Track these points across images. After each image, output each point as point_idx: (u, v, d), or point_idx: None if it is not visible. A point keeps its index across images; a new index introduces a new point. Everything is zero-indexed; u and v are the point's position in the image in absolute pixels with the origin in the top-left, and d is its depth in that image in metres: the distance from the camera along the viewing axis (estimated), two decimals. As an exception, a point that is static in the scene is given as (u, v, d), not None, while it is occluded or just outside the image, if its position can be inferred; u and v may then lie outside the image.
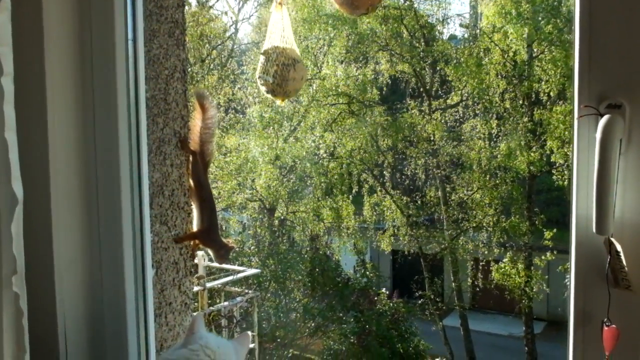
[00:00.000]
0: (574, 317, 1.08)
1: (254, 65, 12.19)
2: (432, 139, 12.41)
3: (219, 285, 7.79)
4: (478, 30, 12.14)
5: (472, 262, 12.83)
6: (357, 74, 12.75)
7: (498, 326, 13.98)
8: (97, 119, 1.40)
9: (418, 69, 12.70)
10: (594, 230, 1.01)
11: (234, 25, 14.82)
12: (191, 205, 1.80)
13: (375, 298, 10.87)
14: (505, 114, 11.80)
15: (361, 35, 12.54)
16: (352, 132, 12.80)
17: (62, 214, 1.36)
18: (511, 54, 11.33)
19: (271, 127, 13.00)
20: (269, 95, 2.08)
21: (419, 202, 13.08)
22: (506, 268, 11.65)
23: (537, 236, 11.69)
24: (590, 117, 1.02)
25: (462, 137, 12.40)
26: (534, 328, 12.07)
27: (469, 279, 12.97)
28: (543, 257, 11.47)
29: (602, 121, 0.99)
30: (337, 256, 12.69)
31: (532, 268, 11.67)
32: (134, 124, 1.43)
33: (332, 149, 13.03)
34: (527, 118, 11.43)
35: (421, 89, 12.87)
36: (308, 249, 13.00)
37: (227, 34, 14.53)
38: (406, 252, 13.16)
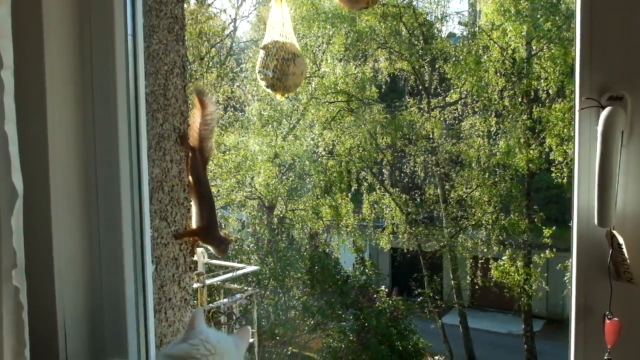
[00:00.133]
0: (575, 311, 1.07)
1: (253, 63, 12.19)
2: (431, 136, 12.41)
3: (218, 283, 7.79)
4: (477, 28, 12.13)
5: (471, 260, 12.82)
6: (356, 71, 12.75)
7: (497, 324, 13.98)
8: (97, 114, 1.40)
9: (417, 67, 12.70)
10: (596, 222, 1.00)
11: (232, 23, 14.83)
12: (190, 201, 1.79)
13: (375, 296, 10.86)
14: (504, 111, 11.80)
15: (360, 33, 12.53)
16: (351, 130, 12.80)
17: (61, 209, 1.35)
18: (510, 51, 11.33)
19: (270, 125, 13.00)
20: (269, 90, 2.08)
21: (418, 199, 13.09)
22: (505, 266, 11.65)
23: (536, 234, 11.70)
24: (592, 110, 1.01)
25: (461, 135, 12.39)
26: (533, 326, 12.07)
27: (468, 277, 12.97)
28: (542, 255, 11.47)
29: (604, 113, 0.99)
30: (336, 254, 12.68)
31: (531, 266, 11.67)
32: (134, 119, 1.43)
33: (331, 147, 13.02)
34: (526, 116, 11.43)
35: (420, 87, 12.87)
36: (307, 246, 13.00)
37: (226, 32, 14.52)
38: (405, 250, 13.17)
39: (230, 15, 14.78)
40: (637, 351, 1.03)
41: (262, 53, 2.07)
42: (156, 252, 1.63)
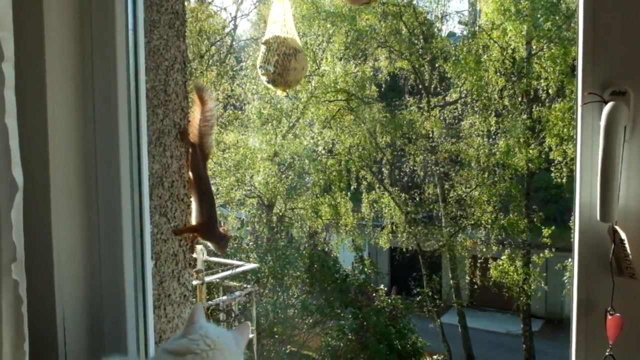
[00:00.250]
0: (577, 306, 1.07)
1: (253, 61, 12.20)
2: (430, 136, 12.42)
3: (217, 280, 7.80)
4: (477, 28, 12.14)
5: (470, 260, 12.83)
6: (355, 70, 12.75)
7: (496, 324, 13.99)
8: (97, 108, 1.40)
9: (417, 66, 12.70)
10: (598, 217, 1.00)
11: (232, 21, 14.83)
12: (190, 197, 1.79)
13: (374, 295, 10.87)
14: (504, 111, 11.80)
15: (360, 32, 12.53)
16: (350, 128, 12.80)
17: (61, 203, 1.35)
18: (510, 51, 11.34)
19: (270, 124, 13.00)
20: (270, 85, 2.07)
21: (417, 199, 13.10)
22: (504, 265, 11.66)
23: (536, 234, 11.70)
24: (595, 105, 1.01)
25: (461, 134, 12.40)
26: (532, 325, 12.08)
27: (467, 276, 12.98)
28: (541, 255, 11.48)
29: (607, 108, 0.98)
30: (335, 253, 12.67)
31: (530, 266, 11.68)
32: (134, 114, 1.42)
33: (330, 146, 13.04)
34: (525, 115, 11.44)
35: (420, 86, 12.88)
36: (306, 245, 13.00)
37: (226, 30, 14.52)
38: (404, 249, 13.17)
39: (230, 13, 14.79)
40: (638, 347, 1.03)
41: (263, 48, 2.06)
42: (156, 248, 1.63)
